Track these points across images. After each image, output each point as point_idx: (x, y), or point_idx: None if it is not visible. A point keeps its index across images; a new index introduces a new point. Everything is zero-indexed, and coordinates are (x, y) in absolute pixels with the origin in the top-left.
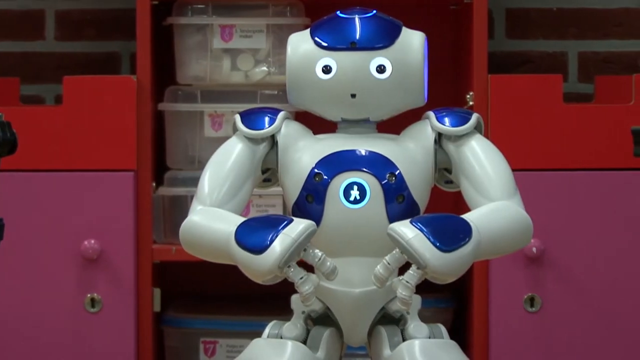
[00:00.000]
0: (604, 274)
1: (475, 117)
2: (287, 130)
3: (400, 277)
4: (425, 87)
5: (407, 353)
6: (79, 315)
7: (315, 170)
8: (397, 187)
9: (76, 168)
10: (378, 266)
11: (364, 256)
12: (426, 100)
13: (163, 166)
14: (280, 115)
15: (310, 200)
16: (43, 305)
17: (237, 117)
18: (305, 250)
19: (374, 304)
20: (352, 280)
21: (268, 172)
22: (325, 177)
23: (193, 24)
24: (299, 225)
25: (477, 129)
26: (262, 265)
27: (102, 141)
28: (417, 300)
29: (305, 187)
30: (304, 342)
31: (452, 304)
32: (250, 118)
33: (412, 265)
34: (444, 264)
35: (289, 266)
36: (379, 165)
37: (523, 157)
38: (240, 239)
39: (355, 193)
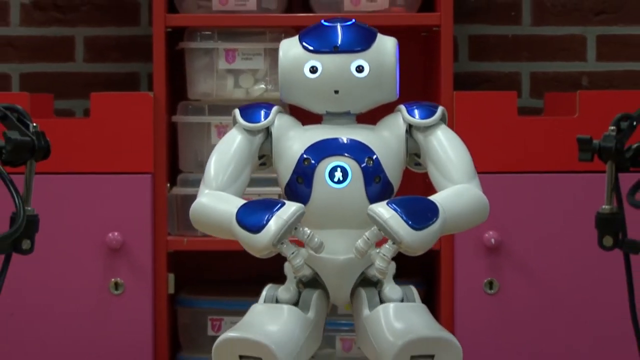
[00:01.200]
0: (552, 261)
1: (440, 110)
2: (280, 122)
3: (378, 250)
4: (397, 84)
5: (382, 314)
6: (104, 297)
7: (304, 156)
8: (374, 169)
9: (101, 171)
10: (359, 241)
11: (346, 228)
12: (398, 96)
13: (176, 169)
14: (274, 109)
15: (300, 182)
16: (74, 288)
17: (237, 112)
18: (296, 229)
19: (355, 269)
20: (337, 249)
21: (263, 157)
22: (313, 161)
23: (201, 48)
24: (290, 208)
25: (442, 120)
26: (259, 243)
27: (124, 148)
28: (392, 266)
29: (295, 170)
30: (296, 303)
31: (422, 286)
32: (248, 112)
33: (388, 241)
34: (415, 239)
35: (282, 243)
36: (358, 150)
37: (483, 161)
38: (240, 220)
39: (338, 175)
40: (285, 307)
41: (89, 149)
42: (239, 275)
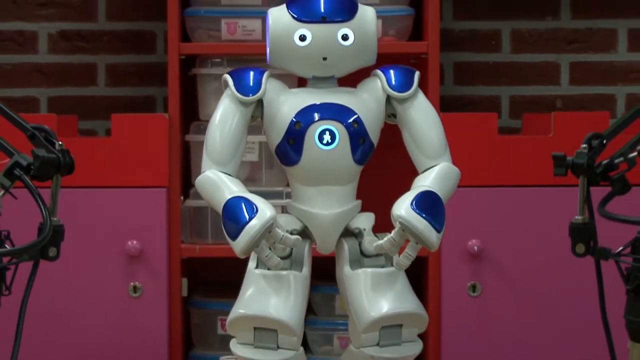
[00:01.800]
0: (530, 267)
1: (416, 78)
2: (270, 88)
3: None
4: (376, 49)
5: (363, 281)
6: (124, 299)
7: (295, 120)
8: (359, 132)
9: (121, 185)
10: (385, 241)
11: (333, 185)
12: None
13: (189, 184)
14: (265, 76)
15: (291, 143)
16: (96, 292)
17: (230, 81)
18: (270, 232)
19: (340, 222)
20: (324, 204)
21: (253, 116)
22: (303, 125)
23: (212, 74)
24: (260, 221)
25: (418, 85)
26: (235, 250)
27: (142, 164)
28: (371, 218)
29: (287, 133)
30: (290, 254)
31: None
32: (241, 82)
33: (412, 241)
34: (439, 240)
35: (257, 246)
36: (345, 115)
37: (467, 176)
38: (223, 222)
39: (327, 137)
40: (285, 274)
41: (109, 165)
42: None
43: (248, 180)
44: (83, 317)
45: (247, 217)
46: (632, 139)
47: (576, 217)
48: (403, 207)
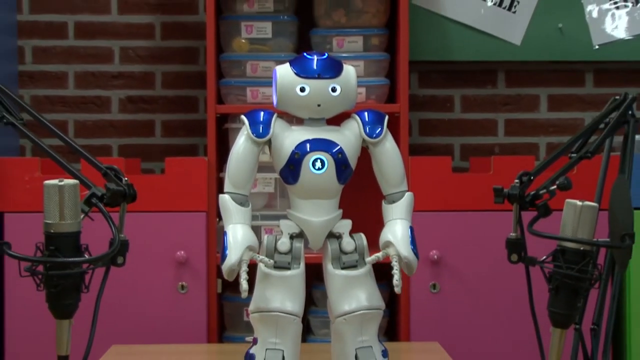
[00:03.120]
0: (477, 271)
1: (385, 123)
2: (277, 125)
3: (395, 271)
4: (356, 98)
5: (339, 280)
6: (173, 295)
7: (295, 151)
8: (342, 160)
9: (172, 210)
10: (395, 278)
11: (322, 199)
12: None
13: None
14: (274, 119)
15: (292, 168)
16: (152, 289)
17: (246, 123)
18: (244, 260)
19: (326, 227)
20: (315, 213)
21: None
22: (300, 155)
23: (240, 128)
24: (227, 263)
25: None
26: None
27: (187, 194)
28: (349, 223)
29: (288, 161)
30: (290, 250)
31: (387, 288)
32: (256, 124)
33: (398, 269)
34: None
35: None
36: (332, 147)
37: (429, 203)
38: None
39: (318, 164)
40: (288, 274)
41: (163, 195)
42: None
43: (266, 207)
44: (143, 308)
45: (225, 254)
46: (552, 176)
47: (511, 234)
48: (406, 248)
